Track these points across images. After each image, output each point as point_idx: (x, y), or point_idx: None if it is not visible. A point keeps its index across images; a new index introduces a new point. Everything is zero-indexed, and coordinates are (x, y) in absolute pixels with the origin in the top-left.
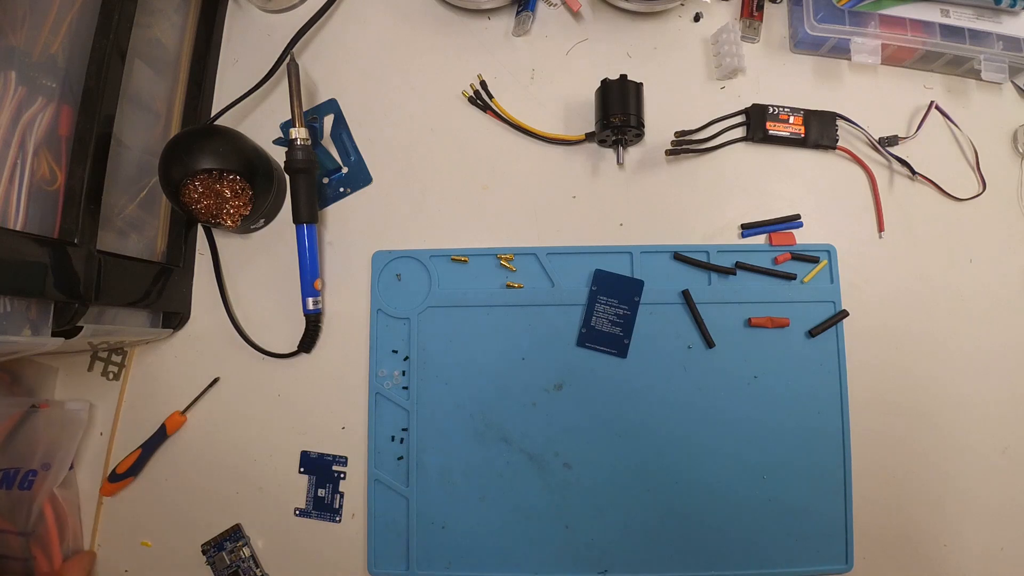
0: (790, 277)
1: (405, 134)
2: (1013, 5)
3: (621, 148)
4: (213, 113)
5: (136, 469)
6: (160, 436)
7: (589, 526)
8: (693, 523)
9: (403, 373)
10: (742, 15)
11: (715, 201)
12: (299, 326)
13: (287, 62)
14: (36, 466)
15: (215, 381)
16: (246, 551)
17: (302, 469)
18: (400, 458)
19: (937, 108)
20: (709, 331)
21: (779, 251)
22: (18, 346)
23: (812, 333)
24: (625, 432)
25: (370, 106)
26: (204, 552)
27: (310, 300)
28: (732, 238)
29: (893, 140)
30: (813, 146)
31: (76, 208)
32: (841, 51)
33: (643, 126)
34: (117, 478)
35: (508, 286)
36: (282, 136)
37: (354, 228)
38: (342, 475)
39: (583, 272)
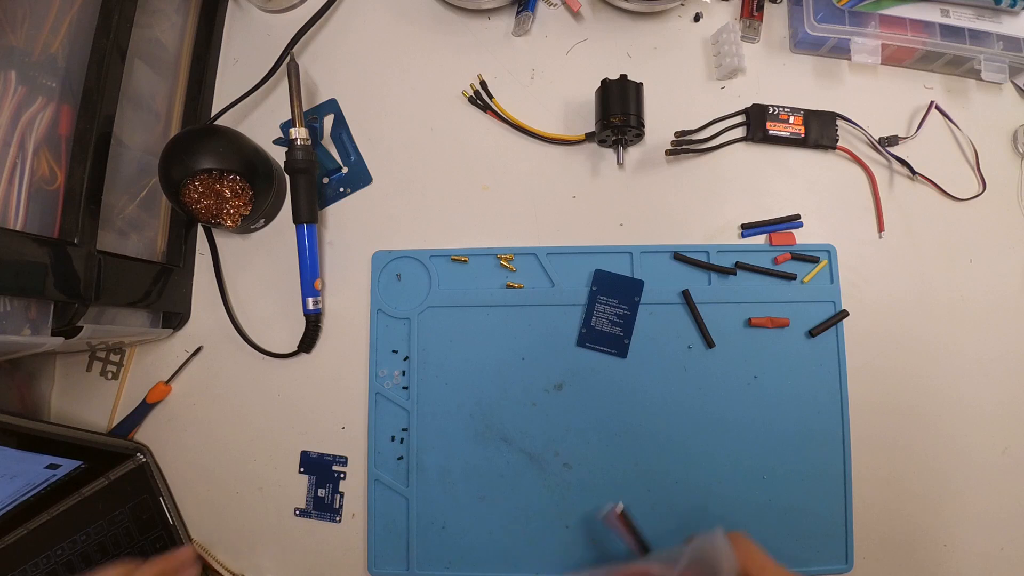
0: (790, 277)
1: (405, 134)
2: (1013, 5)
3: (621, 148)
4: (213, 113)
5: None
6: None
7: (589, 526)
8: (693, 523)
9: (403, 373)
10: (742, 15)
11: (715, 201)
12: (299, 326)
13: (287, 62)
14: None
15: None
16: None
17: (302, 469)
18: (400, 458)
19: (937, 108)
20: (709, 331)
21: (779, 251)
22: (18, 346)
23: (812, 333)
24: (625, 432)
25: (370, 106)
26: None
27: (310, 300)
28: (732, 238)
29: (893, 140)
30: (813, 146)
31: (76, 208)
32: (841, 51)
33: (643, 126)
34: None
35: (508, 286)
36: (282, 136)
37: (354, 228)
38: (342, 475)
39: (583, 272)
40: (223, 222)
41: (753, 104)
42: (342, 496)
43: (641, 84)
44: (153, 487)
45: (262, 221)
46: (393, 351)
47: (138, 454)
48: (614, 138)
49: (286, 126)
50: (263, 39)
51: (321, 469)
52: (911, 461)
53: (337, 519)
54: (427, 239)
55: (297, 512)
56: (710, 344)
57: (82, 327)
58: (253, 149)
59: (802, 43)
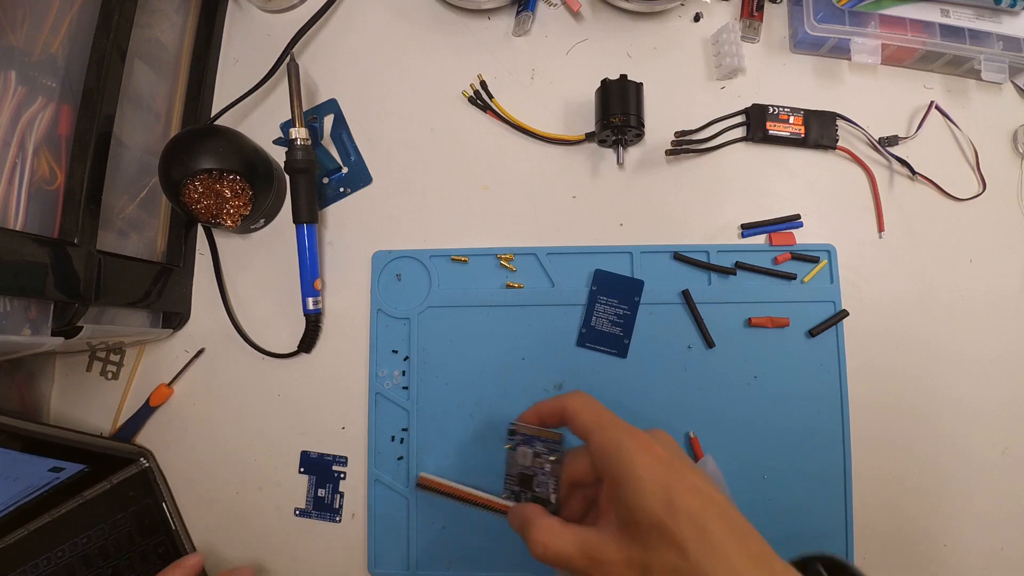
0: (790, 277)
1: (405, 134)
2: (1013, 5)
3: (621, 148)
4: (213, 113)
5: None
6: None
7: None
8: None
9: (403, 373)
10: (742, 15)
11: (715, 201)
12: (299, 326)
13: (287, 62)
14: None
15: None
16: None
17: (302, 469)
18: (400, 458)
19: (937, 108)
20: (709, 331)
21: (779, 251)
22: (18, 346)
23: (812, 333)
24: None
25: (370, 106)
26: None
27: (310, 300)
28: (732, 238)
29: (893, 140)
30: (813, 146)
31: (76, 208)
32: (841, 51)
33: (643, 126)
34: None
35: (508, 286)
36: (282, 136)
37: (354, 228)
38: (342, 475)
39: (583, 272)
40: (223, 222)
41: (753, 104)
42: (342, 496)
43: (641, 84)
44: (156, 492)
45: (262, 221)
46: (393, 351)
47: (141, 459)
48: (614, 138)
49: (286, 126)
50: (263, 39)
51: (321, 469)
52: (911, 461)
53: (337, 519)
54: (427, 239)
55: (297, 512)
56: (710, 344)
57: (82, 327)
58: (253, 149)
59: (802, 43)
